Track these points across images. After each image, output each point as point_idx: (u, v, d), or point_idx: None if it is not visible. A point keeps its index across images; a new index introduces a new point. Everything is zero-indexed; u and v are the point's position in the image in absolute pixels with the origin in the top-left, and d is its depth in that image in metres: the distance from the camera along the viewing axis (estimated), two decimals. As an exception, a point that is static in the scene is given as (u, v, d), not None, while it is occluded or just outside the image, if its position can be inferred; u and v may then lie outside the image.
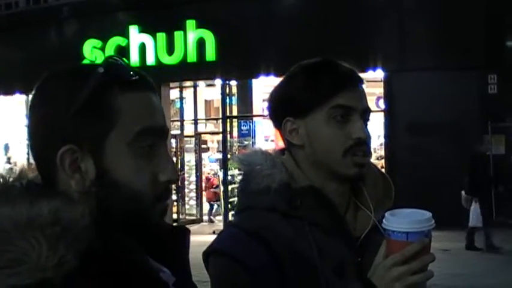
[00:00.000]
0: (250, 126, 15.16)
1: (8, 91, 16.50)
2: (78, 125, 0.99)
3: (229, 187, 13.93)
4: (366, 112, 1.51)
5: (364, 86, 1.55)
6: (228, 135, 15.20)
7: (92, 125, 0.99)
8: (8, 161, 17.76)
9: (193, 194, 15.96)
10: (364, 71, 12.32)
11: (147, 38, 14.87)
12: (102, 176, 0.99)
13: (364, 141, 1.47)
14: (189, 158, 15.90)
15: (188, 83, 16.08)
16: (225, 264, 1.43)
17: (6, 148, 18.23)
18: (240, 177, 1.61)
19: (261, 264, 1.40)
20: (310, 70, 1.52)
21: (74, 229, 0.91)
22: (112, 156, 1.00)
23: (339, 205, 1.51)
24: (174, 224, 1.18)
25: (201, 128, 16.91)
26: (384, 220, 1.28)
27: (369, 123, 1.52)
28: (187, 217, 15.39)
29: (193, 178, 15.95)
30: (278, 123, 1.55)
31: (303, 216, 1.46)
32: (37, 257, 0.88)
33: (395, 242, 1.26)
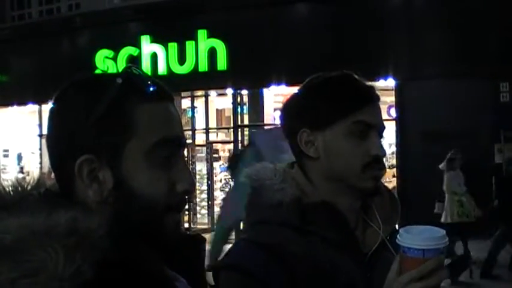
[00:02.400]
0: (261, 135, 15.13)
1: (21, 101, 16.58)
2: (96, 135, 1.00)
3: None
4: (382, 129, 1.52)
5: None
6: (240, 145, 15.19)
7: (110, 135, 1.00)
8: (21, 170, 17.83)
9: (204, 203, 15.95)
10: (375, 79, 12.30)
11: (158, 48, 14.92)
12: (120, 185, 1.00)
13: (381, 159, 1.50)
14: (201, 167, 15.89)
15: (199, 93, 16.10)
16: (238, 279, 1.42)
17: (19, 158, 18.31)
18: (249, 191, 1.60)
19: (273, 278, 1.40)
20: (333, 83, 1.52)
21: (91, 239, 0.92)
22: (129, 166, 1.00)
23: (350, 221, 1.51)
24: (189, 233, 1.18)
25: (212, 137, 16.91)
26: (398, 237, 1.28)
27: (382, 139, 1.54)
28: (198, 226, 15.38)
29: (204, 187, 15.94)
30: (292, 134, 1.54)
31: (315, 231, 1.46)
32: (54, 267, 0.88)
33: (411, 258, 1.25)
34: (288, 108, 1.57)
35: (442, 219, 9.59)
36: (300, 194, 1.49)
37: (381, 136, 1.53)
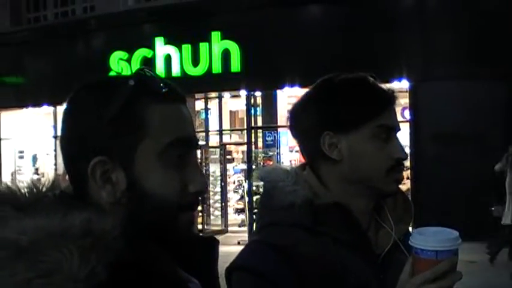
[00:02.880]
0: (275, 136, 15.14)
1: (36, 103, 16.68)
2: (109, 137, 1.01)
3: (254, 198, 13.93)
4: (398, 130, 1.54)
5: None
6: (253, 146, 15.19)
7: (123, 137, 1.01)
8: (36, 172, 17.95)
9: (218, 205, 15.97)
10: (389, 81, 12.26)
11: (172, 50, 14.96)
12: (133, 186, 1.01)
13: (403, 161, 1.51)
14: (214, 169, 15.91)
15: (213, 94, 16.13)
16: (251, 280, 1.43)
17: (34, 159, 18.42)
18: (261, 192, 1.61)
19: (285, 280, 1.40)
20: (354, 86, 1.52)
21: (105, 240, 0.92)
22: (142, 167, 1.01)
23: (362, 222, 1.51)
24: (202, 234, 1.18)
25: (226, 138, 16.93)
26: (411, 238, 1.28)
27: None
28: (212, 228, 15.40)
29: (218, 189, 15.96)
30: (312, 137, 1.52)
31: (327, 233, 1.46)
32: (69, 268, 0.89)
33: (424, 260, 1.25)
34: (305, 110, 1.55)
35: (503, 221, 9.46)
36: (312, 196, 1.50)
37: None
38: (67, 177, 1.07)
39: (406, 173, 13.49)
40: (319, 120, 1.52)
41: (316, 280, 1.41)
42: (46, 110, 16.75)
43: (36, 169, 18.15)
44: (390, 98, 1.53)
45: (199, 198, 1.08)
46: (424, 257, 1.25)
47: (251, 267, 1.44)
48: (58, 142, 1.08)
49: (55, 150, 16.50)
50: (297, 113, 1.58)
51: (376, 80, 1.55)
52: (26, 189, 1.02)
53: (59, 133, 1.09)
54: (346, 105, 1.49)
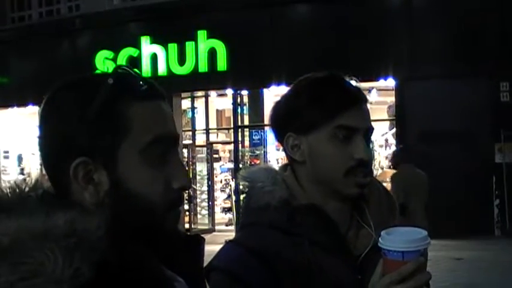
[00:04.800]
0: (261, 135, 15.16)
1: (21, 102, 16.59)
2: (90, 137, 0.99)
3: (241, 197, 13.90)
4: (368, 131, 1.50)
5: (368, 105, 1.53)
6: (240, 145, 15.20)
7: (104, 137, 1.00)
8: (22, 171, 17.85)
9: (205, 204, 15.96)
10: (375, 79, 12.31)
11: (158, 49, 14.93)
12: (116, 186, 1.00)
13: (366, 162, 1.47)
14: (201, 168, 15.91)
15: (199, 93, 16.12)
16: (225, 281, 1.43)
17: (20, 159, 18.32)
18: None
19: (261, 281, 1.40)
20: (316, 86, 1.50)
21: (89, 240, 0.91)
22: (125, 166, 1.00)
23: (340, 223, 1.49)
24: (189, 233, 1.18)
25: (212, 137, 16.92)
26: (380, 239, 1.27)
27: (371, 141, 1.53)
28: (199, 227, 15.39)
29: (205, 188, 15.95)
30: (280, 137, 1.53)
31: (303, 234, 1.45)
32: (53, 269, 0.87)
33: (391, 261, 1.25)
34: (275, 112, 1.56)
35: None
36: (289, 197, 1.49)
37: (368, 138, 1.50)
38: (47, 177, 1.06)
39: (392, 171, 13.54)
40: (284, 121, 1.52)
41: (292, 282, 1.41)
42: (31, 109, 16.65)
43: (22, 169, 18.06)
44: (353, 97, 1.49)
45: (184, 194, 1.07)
46: (391, 258, 1.25)
47: (226, 269, 1.44)
48: (37, 143, 1.06)
49: (39, 151, 16.39)
50: (270, 114, 1.59)
51: (349, 79, 1.52)
52: (8, 190, 1.01)
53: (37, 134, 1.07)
54: (304, 106, 1.48)
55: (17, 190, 1.01)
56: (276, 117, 1.56)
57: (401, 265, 1.23)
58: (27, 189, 1.02)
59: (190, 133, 16.23)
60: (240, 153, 15.06)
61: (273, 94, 14.93)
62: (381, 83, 12.78)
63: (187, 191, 1.22)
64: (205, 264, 1.16)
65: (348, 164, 1.45)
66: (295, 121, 1.49)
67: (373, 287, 1.30)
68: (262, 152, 14.98)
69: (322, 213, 1.48)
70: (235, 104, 15.18)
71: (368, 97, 1.57)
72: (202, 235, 1.19)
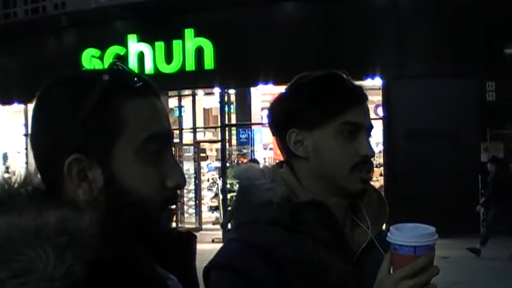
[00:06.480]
0: (249, 134, 15.16)
1: (6, 101, 16.50)
2: (85, 134, 0.98)
3: (228, 195, 13.92)
4: (370, 128, 1.53)
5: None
6: (227, 144, 15.19)
7: (99, 134, 0.98)
8: (7, 170, 17.74)
9: (192, 203, 15.94)
10: (362, 78, 12.34)
11: (145, 47, 14.89)
12: (110, 183, 0.98)
13: (370, 158, 1.50)
14: (188, 167, 15.88)
15: (187, 92, 16.09)
16: (229, 278, 1.42)
17: (5, 157, 18.21)
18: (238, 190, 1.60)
19: (264, 277, 1.40)
20: (321, 83, 1.52)
21: (82, 238, 0.90)
22: (119, 164, 0.99)
23: (339, 219, 1.51)
24: (180, 231, 1.17)
25: (199, 136, 16.90)
26: (389, 234, 1.28)
27: (370, 138, 1.54)
28: (186, 226, 15.37)
29: (192, 187, 15.93)
30: (281, 134, 1.53)
31: (305, 230, 1.46)
32: (44, 267, 0.86)
33: (402, 255, 1.26)
34: (276, 108, 1.57)
35: None
36: (290, 194, 1.49)
37: (369, 135, 1.53)
38: (39, 175, 1.04)
39: (380, 170, 13.61)
40: (285, 117, 1.53)
41: (295, 278, 1.41)
42: (16, 107, 16.57)
43: (7, 167, 17.95)
44: (357, 95, 1.52)
45: (178, 192, 1.06)
46: (402, 252, 1.26)
47: (230, 266, 1.43)
48: (29, 140, 1.04)
49: (26, 149, 16.33)
50: (269, 111, 1.60)
51: (347, 78, 1.54)
52: None
53: (30, 131, 1.05)
54: (309, 103, 1.49)
55: (6, 186, 1.00)
56: (276, 115, 1.57)
57: (413, 259, 1.25)
58: (16, 185, 1.01)
59: (177, 132, 16.19)
60: (227, 152, 15.06)
61: (261, 93, 14.95)
62: (368, 82, 12.81)
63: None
64: (197, 262, 1.16)
65: (354, 160, 1.48)
66: (298, 118, 1.50)
67: (381, 283, 1.30)
68: (250, 150, 14.98)
69: (325, 208, 1.48)
70: (222, 103, 15.17)
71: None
72: (191, 232, 1.19)
